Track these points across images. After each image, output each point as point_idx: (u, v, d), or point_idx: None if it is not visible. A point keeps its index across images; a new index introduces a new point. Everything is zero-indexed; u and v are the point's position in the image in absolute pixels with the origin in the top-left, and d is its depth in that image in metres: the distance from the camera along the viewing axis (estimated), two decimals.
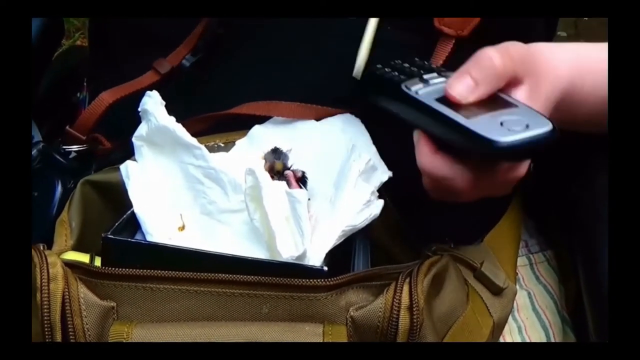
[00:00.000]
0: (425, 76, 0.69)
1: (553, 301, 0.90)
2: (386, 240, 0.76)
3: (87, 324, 0.65)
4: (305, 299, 0.65)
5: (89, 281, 0.66)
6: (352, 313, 0.66)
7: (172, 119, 0.75)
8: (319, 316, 0.65)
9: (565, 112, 0.71)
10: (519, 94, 0.67)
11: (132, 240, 0.71)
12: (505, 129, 0.63)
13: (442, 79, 0.68)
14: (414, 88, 0.68)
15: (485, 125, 0.63)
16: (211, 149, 0.76)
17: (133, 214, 0.73)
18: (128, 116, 0.78)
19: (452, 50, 0.76)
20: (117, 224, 0.71)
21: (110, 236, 0.69)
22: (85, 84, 1.04)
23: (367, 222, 0.69)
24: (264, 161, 0.76)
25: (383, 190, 0.72)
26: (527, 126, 0.63)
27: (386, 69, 0.73)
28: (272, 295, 0.65)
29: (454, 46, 0.76)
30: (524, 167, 0.67)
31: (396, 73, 0.71)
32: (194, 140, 0.74)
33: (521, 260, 0.90)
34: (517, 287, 0.86)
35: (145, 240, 0.71)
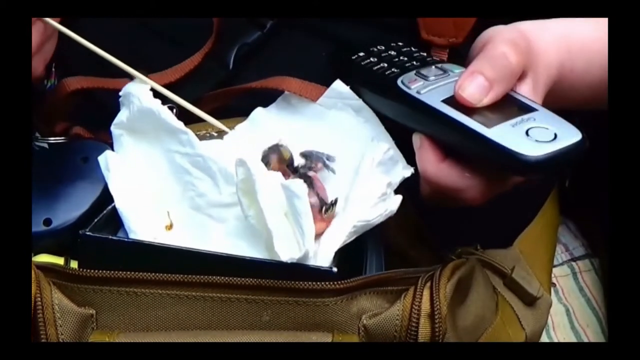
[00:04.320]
0: (423, 71, 0.64)
1: (597, 318, 0.83)
2: (403, 243, 0.70)
3: (62, 334, 0.60)
4: (312, 304, 0.60)
5: (65, 285, 0.61)
6: (365, 321, 0.60)
7: (158, 101, 0.69)
8: (327, 324, 0.60)
9: (558, 98, 0.67)
10: (524, 89, 0.63)
11: (113, 237, 0.65)
12: (532, 141, 0.59)
13: (445, 76, 0.64)
14: (413, 86, 0.63)
15: (510, 136, 0.59)
16: (202, 138, 0.69)
17: (114, 210, 0.67)
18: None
19: (447, 60, 0.71)
20: (96, 221, 0.65)
21: (88, 233, 0.63)
22: (53, 69, 0.95)
23: (381, 219, 0.63)
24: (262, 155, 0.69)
25: (403, 189, 0.65)
26: (556, 136, 0.59)
27: (371, 59, 0.67)
28: (273, 301, 0.60)
29: (448, 56, 0.71)
30: None
31: (384, 64, 0.66)
32: (180, 124, 0.68)
33: (561, 270, 0.83)
34: (555, 300, 0.80)
35: (129, 237, 0.65)
